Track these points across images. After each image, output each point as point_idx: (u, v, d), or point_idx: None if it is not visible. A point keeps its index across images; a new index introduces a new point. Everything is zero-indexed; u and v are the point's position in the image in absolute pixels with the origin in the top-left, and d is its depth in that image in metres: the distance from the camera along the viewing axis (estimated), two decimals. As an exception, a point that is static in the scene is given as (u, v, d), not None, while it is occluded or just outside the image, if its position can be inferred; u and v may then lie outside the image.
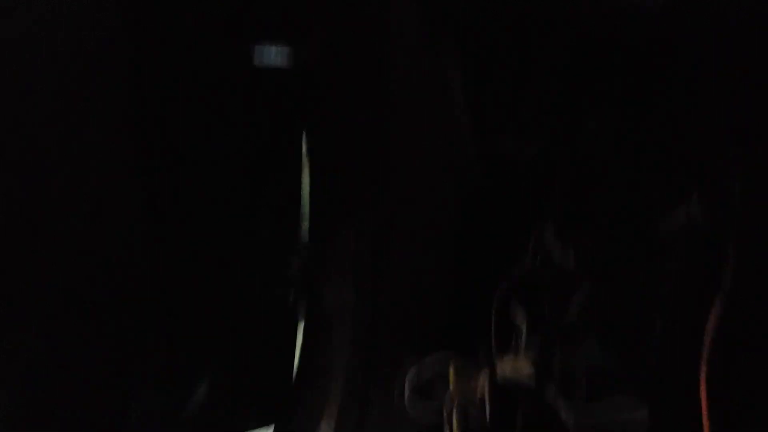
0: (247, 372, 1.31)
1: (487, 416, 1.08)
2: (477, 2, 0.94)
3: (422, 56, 1.04)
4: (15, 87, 0.99)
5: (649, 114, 1.00)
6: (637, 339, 1.08)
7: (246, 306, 1.30)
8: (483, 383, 1.11)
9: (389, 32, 1.04)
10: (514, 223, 1.11)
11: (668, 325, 1.05)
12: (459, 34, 0.98)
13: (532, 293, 1.09)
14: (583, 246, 1.01)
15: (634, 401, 1.06)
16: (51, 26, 0.99)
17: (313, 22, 1.09)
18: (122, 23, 1.00)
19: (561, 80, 1.00)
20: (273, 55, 1.08)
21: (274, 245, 1.27)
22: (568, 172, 1.00)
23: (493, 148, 1.04)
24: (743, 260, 0.95)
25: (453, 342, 1.17)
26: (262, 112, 1.17)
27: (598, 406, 1.06)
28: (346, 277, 1.25)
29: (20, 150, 1.02)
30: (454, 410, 1.10)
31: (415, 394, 1.13)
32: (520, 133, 1.02)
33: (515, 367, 1.10)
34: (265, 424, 1.31)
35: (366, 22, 1.05)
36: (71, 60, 1.01)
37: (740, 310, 0.97)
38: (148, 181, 1.11)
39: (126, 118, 1.05)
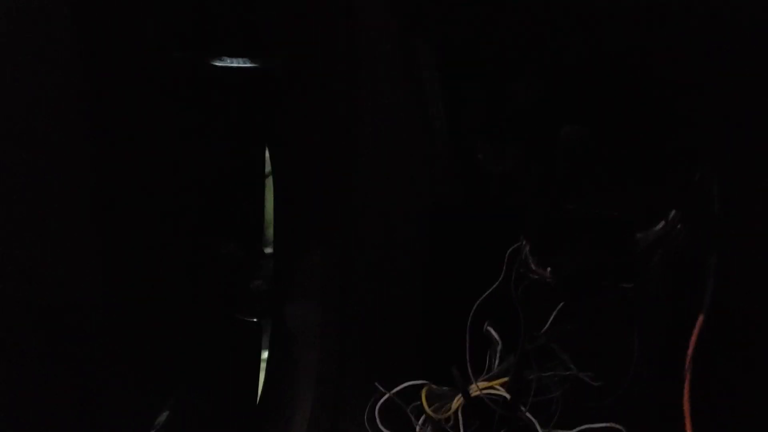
0: (210, 395, 1.27)
1: (462, 440, 1.04)
2: (453, 10, 0.91)
3: (396, 65, 1.00)
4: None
5: (627, 126, 0.98)
6: (614, 356, 1.06)
7: (208, 325, 1.26)
8: (457, 406, 1.07)
9: (360, 41, 1.01)
10: (487, 240, 1.08)
11: (647, 341, 1.03)
12: (434, 42, 0.95)
13: (507, 311, 1.06)
14: (560, 261, 0.98)
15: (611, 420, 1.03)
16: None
17: (279, 30, 1.05)
18: (76, 29, 0.96)
19: (537, 91, 0.98)
20: (237, 63, 1.04)
21: (238, 262, 1.22)
22: (544, 186, 0.98)
23: (469, 160, 1.01)
24: (724, 275, 0.93)
25: (425, 365, 1.13)
26: (225, 124, 1.13)
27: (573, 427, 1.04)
28: (313, 297, 1.21)
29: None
30: (428, 436, 1.07)
31: (385, 422, 1.09)
32: (497, 145, 0.99)
33: (489, 388, 1.07)
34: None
35: (335, 29, 1.01)
36: (24, 70, 0.97)
37: (722, 326, 0.95)
38: (104, 198, 1.06)
39: (81, 130, 1.00)
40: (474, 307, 1.08)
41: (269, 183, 1.19)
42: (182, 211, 1.17)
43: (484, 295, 1.07)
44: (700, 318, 0.94)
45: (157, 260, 1.18)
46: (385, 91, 1.03)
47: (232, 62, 1.04)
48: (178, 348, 1.23)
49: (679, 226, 0.98)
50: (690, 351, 0.93)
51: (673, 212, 0.98)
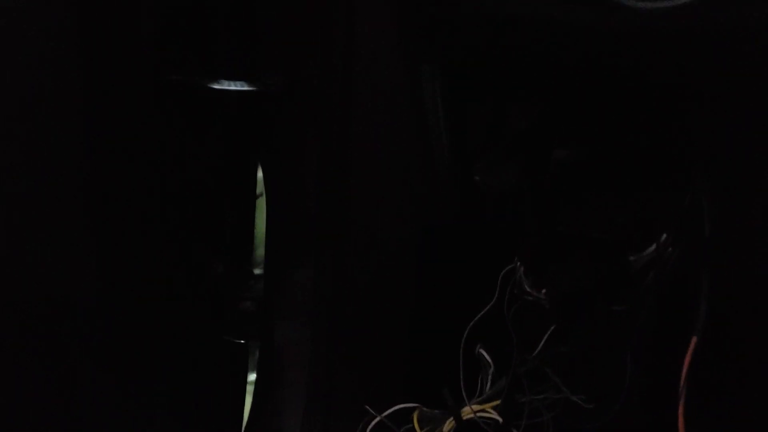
0: (195, 419, 1.25)
1: (454, 463, 1.04)
2: (456, 33, 0.91)
3: (396, 86, 1.00)
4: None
5: (620, 149, 0.99)
6: (606, 379, 1.06)
7: (195, 347, 1.24)
8: (449, 429, 1.07)
9: (360, 61, 1.01)
10: (481, 261, 1.08)
11: (639, 364, 1.03)
12: (437, 63, 0.95)
13: (499, 333, 1.06)
14: (553, 283, 0.98)
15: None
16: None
17: (277, 51, 1.05)
18: (77, 41, 0.95)
19: (533, 113, 0.98)
20: (234, 86, 1.04)
21: (227, 282, 1.21)
22: (538, 208, 0.98)
23: (466, 180, 1.01)
24: (716, 297, 0.94)
25: (416, 387, 1.13)
26: (217, 143, 1.12)
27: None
28: (302, 318, 1.20)
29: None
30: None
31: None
32: (495, 166, 0.99)
33: (481, 411, 1.07)
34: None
35: (334, 50, 1.01)
36: (27, 86, 0.96)
37: (715, 347, 0.95)
38: (95, 216, 1.05)
39: (77, 147, 1.00)
40: (467, 329, 1.07)
41: (260, 203, 1.18)
42: (172, 230, 1.16)
43: (476, 317, 1.06)
44: (693, 340, 0.94)
45: (143, 280, 1.16)
46: (383, 112, 1.03)
47: (229, 85, 1.04)
48: (162, 370, 1.22)
49: (670, 249, 0.98)
50: (684, 373, 0.93)
51: (664, 235, 0.99)
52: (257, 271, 1.24)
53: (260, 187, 1.17)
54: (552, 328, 1.04)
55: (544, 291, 0.98)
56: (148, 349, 1.20)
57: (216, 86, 1.04)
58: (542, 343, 1.05)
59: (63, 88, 0.96)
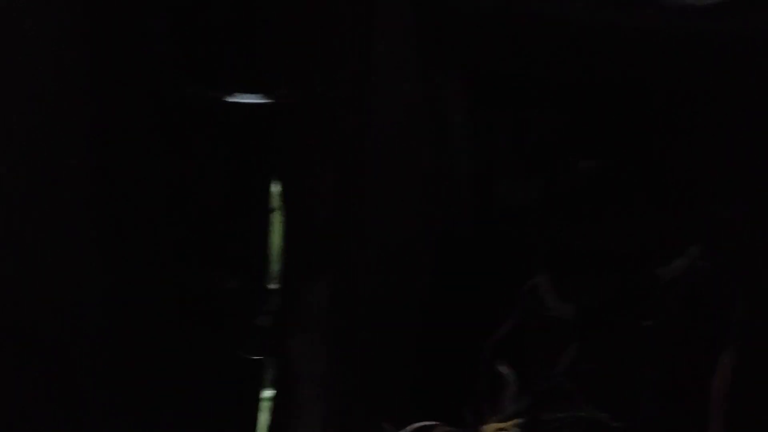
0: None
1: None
2: (478, 41, 0.89)
3: (415, 97, 0.97)
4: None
5: (648, 158, 0.96)
6: (633, 396, 1.03)
7: (208, 363, 1.22)
8: (469, 448, 1.04)
9: (378, 71, 0.98)
10: (502, 275, 1.05)
11: (667, 381, 1.00)
12: (459, 74, 0.93)
13: (522, 349, 1.03)
14: (578, 298, 0.95)
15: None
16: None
17: (294, 63, 1.03)
18: (88, 54, 0.94)
19: (557, 123, 0.95)
20: (250, 99, 1.02)
21: (242, 294, 1.19)
22: (562, 220, 0.95)
23: (487, 193, 0.98)
24: (751, 310, 0.90)
25: (436, 404, 1.10)
26: (232, 157, 1.10)
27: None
28: (318, 333, 1.17)
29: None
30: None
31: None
32: (518, 178, 0.96)
33: (503, 429, 1.04)
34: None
35: (352, 61, 0.99)
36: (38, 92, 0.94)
37: (746, 364, 0.92)
38: (106, 228, 1.03)
39: (88, 157, 0.98)
40: (488, 345, 1.05)
41: (275, 217, 1.16)
42: (185, 244, 1.14)
43: (498, 333, 1.03)
44: (725, 358, 0.91)
45: (156, 296, 1.14)
46: (400, 123, 1.00)
47: (245, 98, 1.02)
48: (175, 387, 1.20)
49: (701, 262, 0.95)
50: (714, 392, 0.90)
51: (695, 247, 0.96)
52: (272, 286, 1.22)
53: (275, 201, 1.15)
54: (576, 343, 1.01)
55: (567, 306, 0.95)
56: (161, 366, 1.18)
57: (230, 99, 1.02)
58: (566, 359, 1.02)
59: (74, 103, 0.95)
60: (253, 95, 1.01)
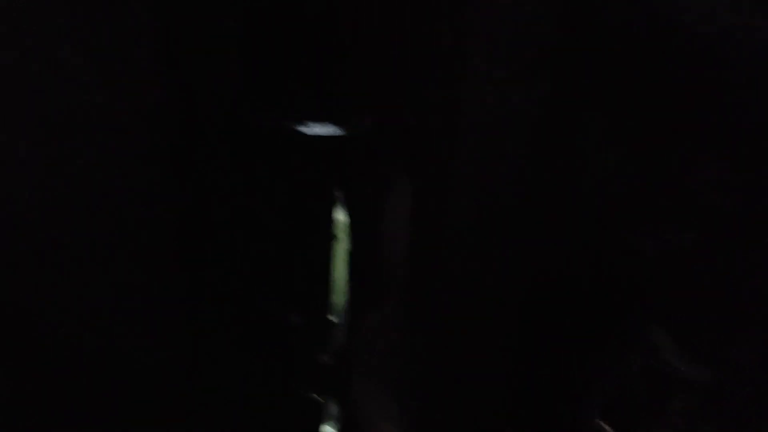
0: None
1: None
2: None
3: (507, 112, 0.84)
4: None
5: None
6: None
7: (267, 400, 1.13)
8: None
9: (462, 99, 0.86)
10: (597, 318, 0.92)
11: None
12: (560, 83, 0.80)
13: (621, 401, 0.91)
14: (699, 347, 0.82)
15: None
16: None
17: (370, 92, 0.92)
18: (163, 84, 0.85)
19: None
20: (322, 130, 0.93)
21: (303, 330, 1.09)
22: (684, 263, 0.82)
23: (593, 229, 0.86)
24: None
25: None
26: (297, 186, 1.00)
27: None
28: (385, 375, 1.06)
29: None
30: None
31: None
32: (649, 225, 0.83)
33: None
34: None
35: (433, 91, 0.87)
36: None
37: None
38: (172, 259, 0.95)
39: (160, 188, 0.91)
40: (582, 396, 0.93)
41: (339, 248, 1.05)
42: (246, 276, 1.04)
43: (596, 384, 0.91)
44: None
45: (215, 330, 1.05)
46: (490, 149, 0.88)
47: (316, 129, 0.92)
48: (235, 421, 1.11)
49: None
50: None
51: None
52: (335, 321, 1.11)
53: (339, 231, 1.04)
54: (685, 398, 0.88)
55: (691, 364, 0.83)
56: (219, 405, 1.09)
57: (303, 129, 0.92)
58: (673, 414, 0.89)
59: (148, 135, 0.88)
60: (326, 126, 0.92)
